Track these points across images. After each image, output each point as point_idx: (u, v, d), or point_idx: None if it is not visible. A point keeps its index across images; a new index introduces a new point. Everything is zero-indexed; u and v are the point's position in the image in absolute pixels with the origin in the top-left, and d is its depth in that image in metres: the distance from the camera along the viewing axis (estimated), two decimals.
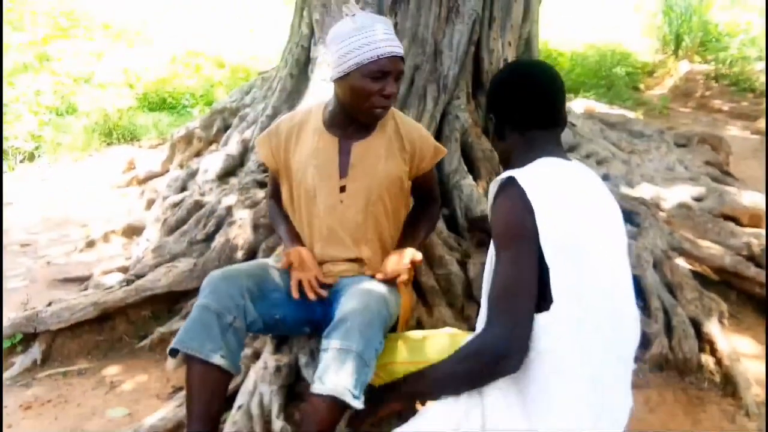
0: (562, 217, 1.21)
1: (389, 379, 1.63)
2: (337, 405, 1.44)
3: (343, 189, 1.77)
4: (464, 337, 1.59)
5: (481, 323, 1.37)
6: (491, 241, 1.30)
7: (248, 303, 1.65)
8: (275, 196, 2.00)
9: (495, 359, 1.19)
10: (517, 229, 1.21)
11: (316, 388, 1.45)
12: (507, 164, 1.42)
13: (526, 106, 1.36)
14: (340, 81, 1.66)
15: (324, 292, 1.74)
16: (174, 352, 1.57)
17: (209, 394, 1.56)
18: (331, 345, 1.49)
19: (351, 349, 1.46)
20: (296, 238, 1.87)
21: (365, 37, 1.59)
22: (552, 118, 1.38)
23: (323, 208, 1.78)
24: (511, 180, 1.25)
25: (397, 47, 1.62)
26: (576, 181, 1.30)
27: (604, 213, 1.30)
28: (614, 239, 1.30)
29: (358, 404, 1.45)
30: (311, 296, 1.71)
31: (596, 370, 1.22)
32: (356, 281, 1.74)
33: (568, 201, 1.24)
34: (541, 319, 1.19)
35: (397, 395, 1.49)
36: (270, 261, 1.89)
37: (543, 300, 1.19)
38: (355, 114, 1.71)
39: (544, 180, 1.25)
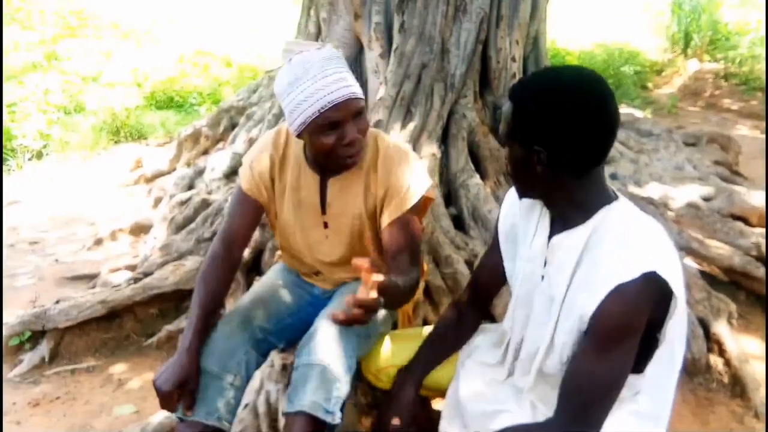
0: (683, 297, 1.12)
1: (391, 383, 1.63)
2: (311, 422, 1.39)
3: (326, 225, 1.67)
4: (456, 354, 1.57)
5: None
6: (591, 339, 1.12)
7: (252, 355, 1.61)
8: (225, 239, 1.65)
9: None
10: (635, 327, 1.09)
11: (286, 407, 1.43)
12: (547, 202, 1.23)
13: (596, 146, 1.10)
14: (299, 137, 1.50)
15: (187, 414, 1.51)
16: (180, 419, 1.53)
17: None
18: (300, 362, 1.47)
19: (317, 364, 1.43)
20: (201, 332, 1.54)
21: (302, 90, 1.38)
22: (607, 153, 1.13)
23: (306, 244, 1.71)
24: (650, 277, 1.06)
25: (342, 89, 1.39)
26: (664, 235, 1.16)
27: None
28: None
29: (333, 419, 1.40)
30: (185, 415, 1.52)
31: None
32: (347, 288, 1.73)
33: (680, 272, 1.12)
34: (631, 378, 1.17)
35: None
36: (275, 280, 1.84)
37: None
38: (327, 166, 1.56)
39: (672, 263, 1.10)
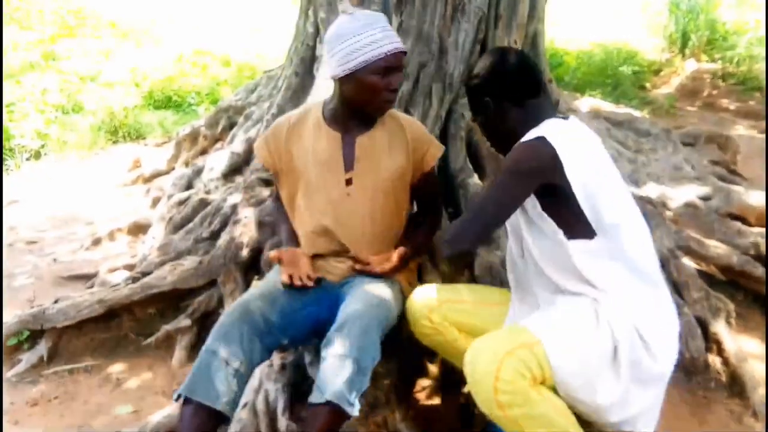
0: (588, 168, 1.42)
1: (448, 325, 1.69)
2: (336, 412, 1.44)
3: (349, 182, 1.78)
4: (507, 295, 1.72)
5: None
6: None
7: (256, 345, 1.64)
8: (280, 197, 2.00)
9: (452, 255, 1.43)
10: (523, 168, 1.41)
11: (315, 398, 1.46)
12: (512, 140, 1.52)
13: (517, 79, 1.58)
14: (345, 78, 1.68)
15: (311, 283, 1.73)
16: (180, 396, 1.55)
17: None
18: (329, 353, 1.50)
19: (347, 356, 1.47)
20: (294, 241, 1.88)
21: (371, 35, 1.63)
22: (540, 86, 1.59)
23: (328, 203, 1.78)
24: (540, 138, 1.43)
25: (400, 43, 1.68)
26: (585, 134, 1.53)
27: (609, 160, 1.55)
28: (619, 176, 1.54)
29: (353, 411, 1.44)
30: (297, 283, 1.71)
31: (649, 273, 1.47)
32: (359, 282, 1.75)
33: (588, 153, 1.47)
34: (592, 245, 1.43)
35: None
36: (278, 276, 1.84)
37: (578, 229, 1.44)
38: (364, 109, 1.73)
39: (566, 136, 1.44)
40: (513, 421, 1.34)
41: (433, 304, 1.68)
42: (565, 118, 1.56)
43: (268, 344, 1.69)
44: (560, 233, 1.45)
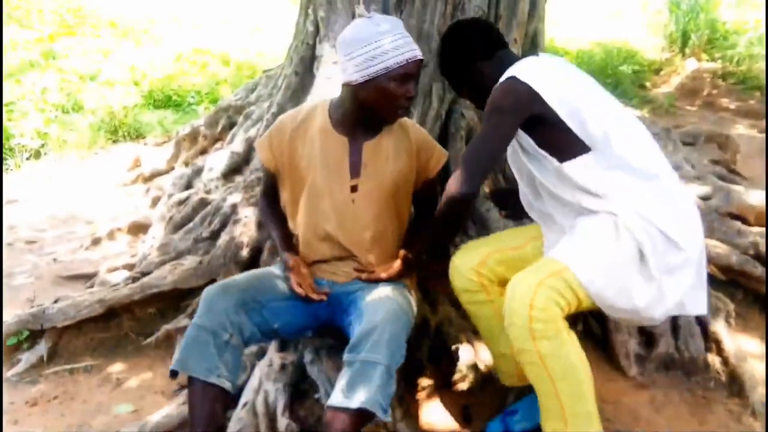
0: (565, 88, 1.52)
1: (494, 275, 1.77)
2: (364, 418, 1.44)
3: (354, 189, 1.76)
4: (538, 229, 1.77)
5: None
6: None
7: (244, 318, 1.64)
8: (269, 194, 1.98)
9: (461, 200, 1.51)
10: (503, 107, 1.51)
11: (342, 402, 1.44)
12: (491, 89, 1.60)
13: (480, 37, 1.70)
14: (363, 83, 1.64)
15: (324, 297, 1.75)
16: (174, 373, 1.58)
17: (209, 413, 1.56)
18: (359, 358, 1.48)
19: (379, 362, 1.46)
20: (290, 245, 1.86)
21: (392, 41, 1.61)
22: (502, 38, 1.74)
23: (333, 208, 1.76)
24: (511, 77, 1.53)
25: (418, 50, 1.68)
26: (557, 63, 1.65)
27: (590, 81, 1.64)
28: (602, 91, 1.63)
29: (387, 417, 1.45)
30: (314, 297, 1.72)
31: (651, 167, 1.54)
32: (370, 287, 1.75)
33: (562, 75, 1.57)
34: (589, 159, 1.51)
35: (426, 258, 1.80)
36: (274, 269, 1.88)
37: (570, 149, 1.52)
38: (377, 114, 1.70)
39: (537, 68, 1.55)
40: (540, 358, 1.41)
41: (480, 258, 1.75)
42: (537, 55, 1.68)
43: (258, 323, 1.69)
44: (555, 161, 1.53)
